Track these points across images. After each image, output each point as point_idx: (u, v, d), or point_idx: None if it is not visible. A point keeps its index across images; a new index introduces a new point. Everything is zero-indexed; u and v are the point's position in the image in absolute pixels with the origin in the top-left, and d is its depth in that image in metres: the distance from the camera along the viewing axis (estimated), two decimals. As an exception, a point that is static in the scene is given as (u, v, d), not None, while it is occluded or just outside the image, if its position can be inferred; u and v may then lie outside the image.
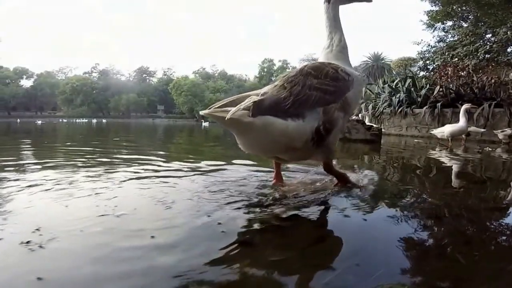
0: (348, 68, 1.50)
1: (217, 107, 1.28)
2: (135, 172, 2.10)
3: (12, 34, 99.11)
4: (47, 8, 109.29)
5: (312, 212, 1.30)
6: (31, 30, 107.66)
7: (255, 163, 2.47)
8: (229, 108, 1.21)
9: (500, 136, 6.01)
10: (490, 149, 4.84)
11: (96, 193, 1.51)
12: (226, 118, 1.16)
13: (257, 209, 1.28)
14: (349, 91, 1.42)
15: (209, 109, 1.28)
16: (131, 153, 3.58)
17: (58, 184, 1.69)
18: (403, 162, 3.33)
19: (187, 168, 2.30)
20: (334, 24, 1.60)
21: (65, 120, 34.26)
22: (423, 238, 1.07)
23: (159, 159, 2.87)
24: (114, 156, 3.22)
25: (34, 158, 2.88)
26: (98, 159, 2.83)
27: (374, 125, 6.03)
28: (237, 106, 1.20)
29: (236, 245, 0.96)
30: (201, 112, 1.23)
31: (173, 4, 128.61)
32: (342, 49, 1.59)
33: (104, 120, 34.91)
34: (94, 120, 33.19)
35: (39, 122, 20.91)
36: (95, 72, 64.73)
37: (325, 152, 1.47)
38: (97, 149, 3.90)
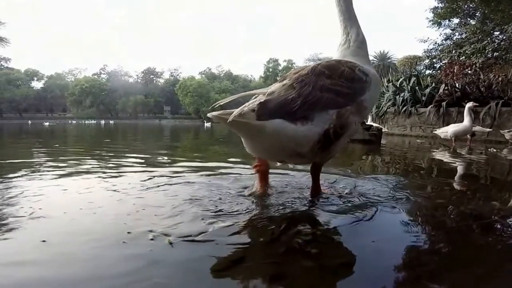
0: (366, 67, 1.37)
1: (222, 104, 1.23)
2: (104, 173, 2.09)
3: (21, 35, 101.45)
4: (54, 10, 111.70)
5: (252, 226, 1.14)
6: (39, 31, 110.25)
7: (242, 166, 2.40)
8: (236, 110, 1.12)
9: (507, 136, 5.79)
10: (495, 150, 4.65)
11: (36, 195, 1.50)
12: (228, 121, 1.07)
13: (185, 223, 1.15)
14: (365, 94, 1.29)
15: (216, 111, 1.18)
16: (117, 151, 3.56)
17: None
18: (396, 164, 3.21)
19: (168, 171, 2.25)
20: (349, 17, 1.46)
21: (74, 122, 34.87)
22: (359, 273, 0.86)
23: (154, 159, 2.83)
24: (97, 157, 3.20)
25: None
26: (78, 161, 2.82)
27: (374, 125, 5.88)
28: (241, 107, 1.12)
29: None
30: (209, 115, 1.16)
31: (181, 5, 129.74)
32: (360, 44, 1.45)
33: (111, 122, 35.41)
34: (103, 122, 33.72)
35: (47, 123, 21.31)
36: (104, 74, 65.75)
37: (325, 157, 1.37)
38: (83, 150, 3.88)
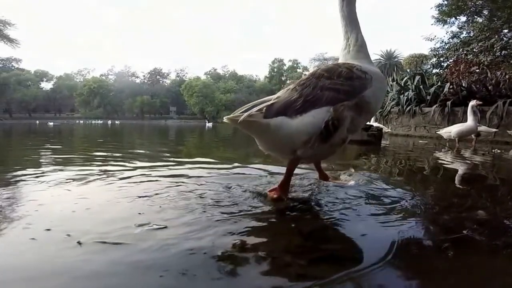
0: (366, 66, 1.43)
1: (238, 114, 1.32)
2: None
3: (30, 36, 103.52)
4: (59, 11, 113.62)
5: (183, 232, 1.04)
6: (47, 32, 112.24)
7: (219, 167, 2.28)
8: (246, 113, 1.28)
9: (515, 136, 5.55)
10: (499, 151, 4.43)
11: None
12: (238, 121, 1.23)
13: (113, 223, 1.11)
14: (366, 90, 1.36)
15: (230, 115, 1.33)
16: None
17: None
18: (385, 166, 3.06)
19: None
20: (350, 22, 1.53)
21: (81, 122, 35.38)
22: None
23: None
24: (82, 156, 3.13)
25: None
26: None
27: (375, 124, 5.71)
28: (251, 110, 1.27)
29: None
30: (225, 118, 1.30)
31: (186, 5, 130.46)
32: (360, 48, 1.52)
33: (117, 122, 35.85)
34: (109, 122, 34.19)
35: (51, 123, 21.57)
36: (111, 75, 66.58)
37: (322, 150, 1.36)
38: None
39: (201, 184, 1.70)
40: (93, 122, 34.47)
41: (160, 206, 1.29)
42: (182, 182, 1.74)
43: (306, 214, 1.28)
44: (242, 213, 1.23)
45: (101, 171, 2.13)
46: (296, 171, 1.51)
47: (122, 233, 1.02)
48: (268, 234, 1.05)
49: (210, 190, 1.57)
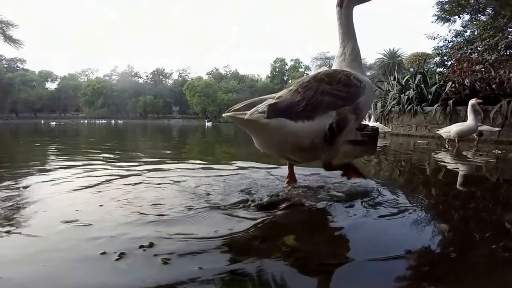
0: (360, 75, 1.53)
1: (236, 109, 1.35)
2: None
3: (34, 37, 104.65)
4: (64, 11, 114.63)
5: (123, 233, 1.01)
6: (50, 32, 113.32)
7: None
8: (248, 112, 1.30)
9: (519, 136, 5.33)
10: (499, 151, 4.22)
11: None
12: (244, 118, 1.26)
13: (44, 218, 1.14)
14: (360, 97, 1.44)
15: (230, 111, 1.36)
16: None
17: None
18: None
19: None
20: (347, 31, 1.58)
21: (85, 121, 35.73)
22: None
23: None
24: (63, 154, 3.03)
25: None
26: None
27: (371, 124, 5.54)
28: (254, 108, 1.29)
29: None
30: (224, 115, 1.34)
31: (189, 4, 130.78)
32: (355, 58, 1.59)
33: (120, 121, 36.15)
34: (113, 121, 34.57)
35: (53, 123, 21.77)
36: (114, 75, 67.05)
37: (331, 153, 1.43)
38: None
39: (166, 182, 1.68)
40: (97, 121, 34.81)
41: (100, 205, 1.27)
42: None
43: (254, 221, 1.16)
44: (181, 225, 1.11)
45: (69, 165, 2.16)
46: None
47: (49, 226, 1.04)
48: (191, 244, 0.94)
49: (172, 188, 1.52)
